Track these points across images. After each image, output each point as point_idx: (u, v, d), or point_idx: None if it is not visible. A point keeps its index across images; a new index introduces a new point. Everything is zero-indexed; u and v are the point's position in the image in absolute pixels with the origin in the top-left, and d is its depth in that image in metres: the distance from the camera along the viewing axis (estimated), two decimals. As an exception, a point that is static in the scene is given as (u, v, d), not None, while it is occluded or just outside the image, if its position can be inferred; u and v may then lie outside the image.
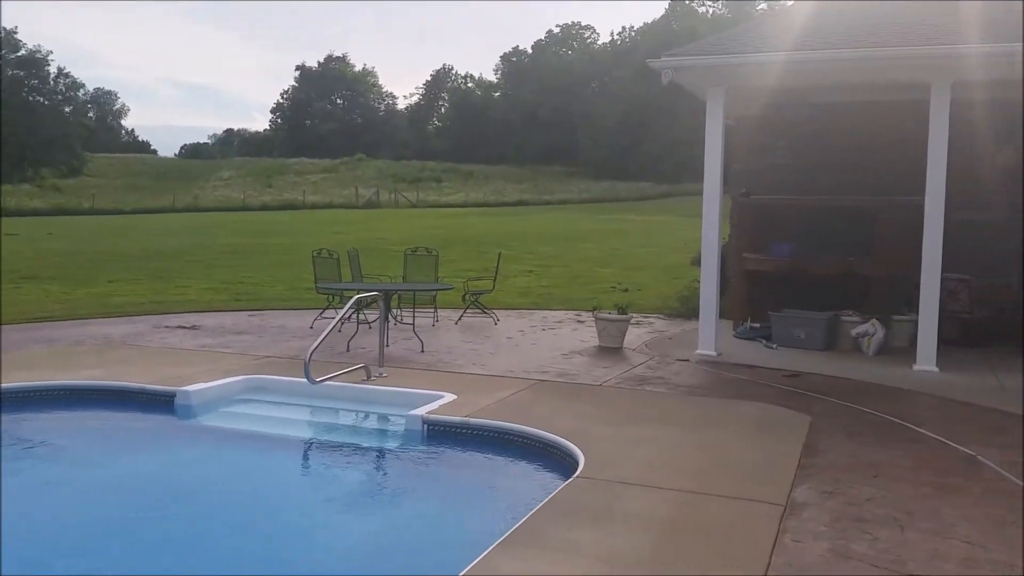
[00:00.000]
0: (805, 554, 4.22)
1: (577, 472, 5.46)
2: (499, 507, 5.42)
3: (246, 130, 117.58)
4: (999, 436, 6.53)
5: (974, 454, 5.98)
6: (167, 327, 11.66)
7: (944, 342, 10.03)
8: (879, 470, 5.60)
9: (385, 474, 6.62)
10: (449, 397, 7.39)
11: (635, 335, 11.33)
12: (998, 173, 11.59)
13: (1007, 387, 8.38)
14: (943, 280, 10.09)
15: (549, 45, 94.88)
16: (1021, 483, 5.34)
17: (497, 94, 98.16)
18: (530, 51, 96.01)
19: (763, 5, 73.04)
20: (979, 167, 11.67)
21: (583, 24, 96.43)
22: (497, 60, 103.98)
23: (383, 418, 7.68)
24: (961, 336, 10.98)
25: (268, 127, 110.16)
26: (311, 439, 7.54)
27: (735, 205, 12.44)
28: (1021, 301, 10.55)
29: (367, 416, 7.85)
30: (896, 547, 4.31)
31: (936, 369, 9.08)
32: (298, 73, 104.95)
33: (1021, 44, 8.50)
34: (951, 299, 10.51)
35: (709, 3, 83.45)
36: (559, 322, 12.79)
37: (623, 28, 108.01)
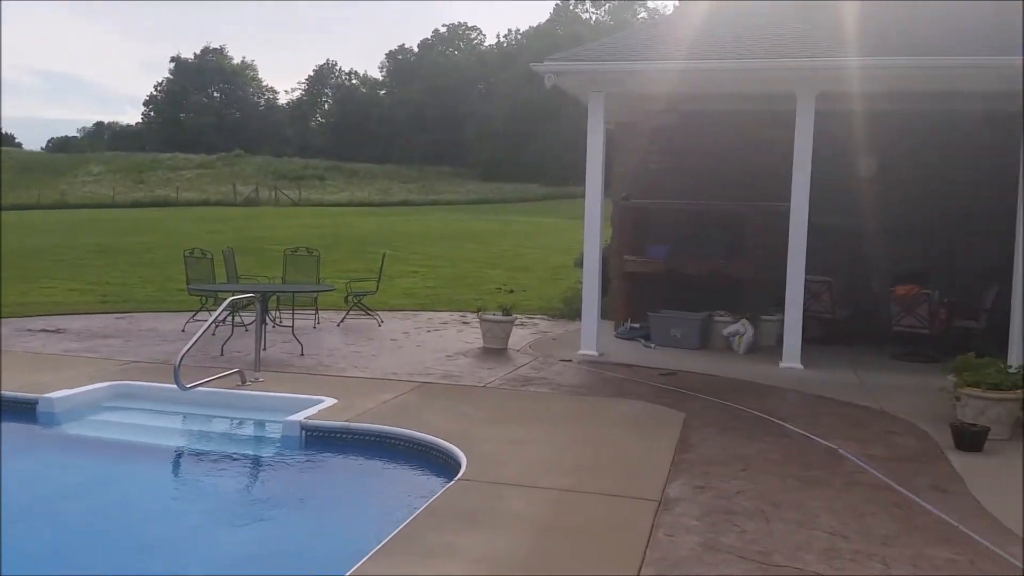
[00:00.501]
0: (678, 548, 4.35)
1: (459, 475, 5.45)
2: (379, 513, 5.35)
3: (117, 123, 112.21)
4: (858, 430, 6.91)
5: (835, 447, 6.31)
6: (30, 330, 10.97)
7: (808, 341, 10.54)
8: (748, 464, 5.84)
9: (260, 483, 6.43)
10: (329, 401, 7.25)
11: (520, 336, 11.42)
12: (858, 181, 12.28)
13: (865, 383, 8.89)
14: (807, 282, 10.61)
15: (435, 44, 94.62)
16: (879, 474, 5.67)
17: (383, 92, 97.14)
18: (416, 50, 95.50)
19: (643, 14, 75.19)
20: (841, 175, 12.34)
21: (469, 25, 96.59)
22: (382, 58, 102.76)
23: (259, 425, 7.46)
24: (824, 335, 11.57)
25: (140, 120, 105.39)
26: (182, 448, 7.24)
27: (616, 208, 12.73)
28: (886, 302, 11.20)
29: (242, 423, 7.60)
30: (763, 538, 4.50)
31: (801, 366, 9.53)
32: (173, 65, 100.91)
33: (882, 58, 9.06)
34: (814, 300, 11.07)
35: (592, 10, 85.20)
36: (444, 323, 12.76)
37: (509, 31, 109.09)
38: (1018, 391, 6.69)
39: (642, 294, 12.19)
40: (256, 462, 6.82)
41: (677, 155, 12.85)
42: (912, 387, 8.52)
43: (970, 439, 6.31)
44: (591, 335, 10.12)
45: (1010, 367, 7.38)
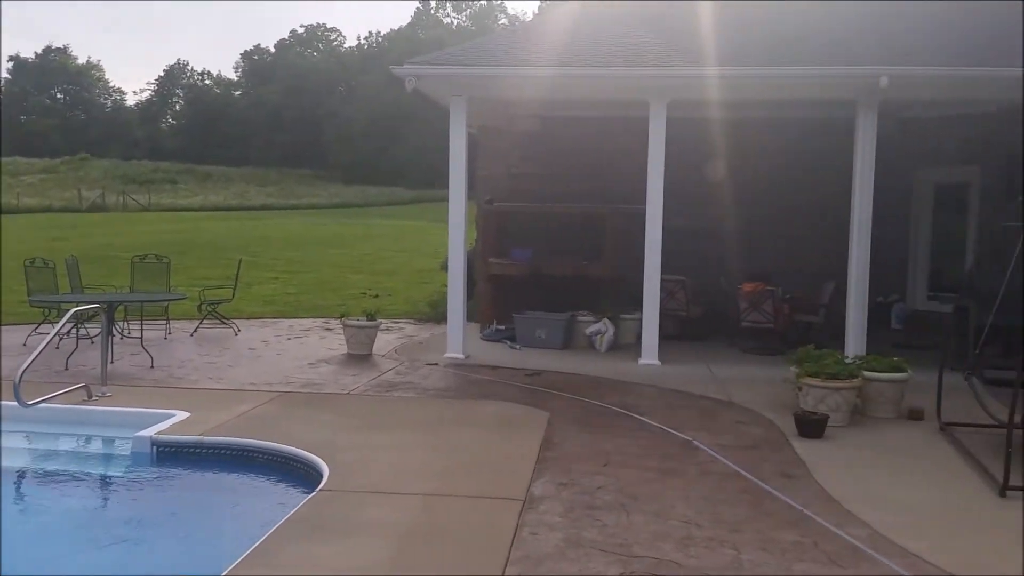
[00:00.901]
0: (541, 545, 4.41)
1: (321, 485, 5.32)
2: (236, 529, 5.17)
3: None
4: (711, 421, 7.23)
5: (690, 439, 6.57)
6: None
7: (665, 338, 10.94)
8: (609, 459, 5.99)
9: (109, 503, 6.08)
10: (182, 415, 6.93)
11: (385, 341, 11.30)
12: (708, 184, 12.85)
13: (717, 376, 9.30)
14: (663, 281, 11.00)
15: (293, 45, 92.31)
16: (730, 463, 5.94)
17: (238, 93, 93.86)
18: (273, 50, 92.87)
19: (504, 20, 76.04)
20: (693, 179, 12.87)
21: (328, 26, 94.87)
22: (237, 58, 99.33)
23: (108, 441, 7.04)
24: (680, 331, 12.05)
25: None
26: (24, 468, 6.74)
27: (480, 211, 12.81)
28: (730, 299, 11.74)
29: (89, 440, 7.16)
30: (623, 531, 4.62)
31: (658, 363, 9.88)
32: (11, 64, 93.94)
33: (728, 68, 9.51)
34: (670, 299, 11.50)
35: (453, 15, 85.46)
36: (306, 330, 12.46)
37: (370, 33, 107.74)
38: (854, 380, 7.18)
39: (507, 296, 12.31)
40: (104, 481, 6.45)
41: (540, 159, 13.07)
42: (759, 379, 8.98)
43: (811, 426, 6.71)
44: (457, 338, 10.13)
45: (846, 358, 7.91)
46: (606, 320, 10.95)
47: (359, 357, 10.15)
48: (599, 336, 10.88)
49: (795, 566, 4.21)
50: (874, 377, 7.44)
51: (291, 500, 5.25)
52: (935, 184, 12.70)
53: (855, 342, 9.61)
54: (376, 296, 16.65)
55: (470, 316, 12.04)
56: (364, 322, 10.45)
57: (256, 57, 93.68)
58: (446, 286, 10.61)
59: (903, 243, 12.82)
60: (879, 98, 9.39)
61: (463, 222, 10.13)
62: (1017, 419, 5.30)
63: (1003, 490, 5.26)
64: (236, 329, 12.05)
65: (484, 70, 9.93)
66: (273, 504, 5.40)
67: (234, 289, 12.62)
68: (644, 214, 10.02)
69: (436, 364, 9.74)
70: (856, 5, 11.53)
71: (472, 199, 11.64)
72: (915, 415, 7.40)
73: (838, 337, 9.86)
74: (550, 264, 11.88)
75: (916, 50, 9.78)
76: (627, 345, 11.05)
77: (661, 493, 5.27)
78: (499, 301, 12.31)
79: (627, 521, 4.77)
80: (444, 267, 12.42)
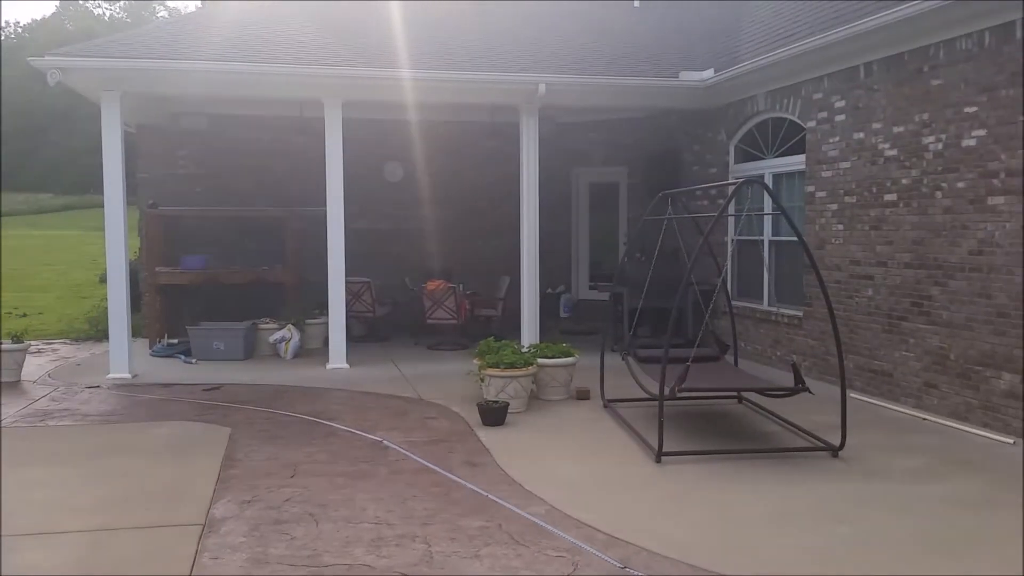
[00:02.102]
0: (224, 568, 4.13)
1: (-47, 538, 4.54)
2: None
3: None
4: (400, 419, 7.28)
5: (380, 439, 6.57)
6: None
7: (353, 340, 10.90)
8: (297, 469, 5.79)
9: None
10: None
11: (36, 365, 10.04)
12: (390, 187, 12.98)
13: (406, 374, 9.42)
14: (348, 284, 10.92)
15: (-95, 31, 78.77)
16: (419, 458, 6.02)
17: None
18: None
19: (164, 12, 71.06)
20: (375, 180, 12.93)
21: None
22: None
23: None
24: (368, 332, 12.07)
25: None
26: None
27: (144, 217, 11.80)
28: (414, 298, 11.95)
29: None
30: (312, 542, 4.48)
31: (347, 366, 9.79)
32: None
33: (398, 70, 9.63)
34: (356, 300, 11.45)
35: (105, 4, 78.16)
36: (-68, 360, 10.64)
37: (7, 23, 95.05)
38: (529, 367, 7.63)
39: (180, 308, 11.49)
40: None
41: (210, 160, 12.35)
42: (446, 373, 9.24)
43: (493, 415, 7.02)
44: (122, 356, 9.25)
45: (523, 347, 8.39)
46: (290, 326, 10.62)
47: (7, 385, 8.89)
48: (284, 343, 10.53)
49: (483, 550, 4.35)
50: (547, 363, 7.97)
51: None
52: (590, 183, 13.92)
53: (529, 332, 10.24)
54: (24, 315, 14.73)
55: (137, 331, 11.11)
56: (9, 345, 9.18)
57: None
58: (107, 300, 9.63)
59: (568, 238, 13.90)
60: (538, 104, 10.07)
61: (123, 229, 9.27)
62: (667, 392, 5.94)
63: (658, 456, 5.88)
64: None
65: (140, 63, 9.17)
66: None
67: None
68: (326, 216, 9.85)
69: (98, 386, 8.81)
70: (521, 25, 12.29)
71: (134, 204, 10.68)
72: (582, 395, 8.04)
73: (516, 328, 10.45)
74: (227, 271, 11.27)
75: (570, 64, 10.64)
76: (314, 351, 10.82)
77: (352, 498, 5.19)
78: (170, 313, 11.45)
79: (316, 531, 4.64)
80: (103, 280, 11.32)
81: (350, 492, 5.30)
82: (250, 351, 10.62)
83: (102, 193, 9.37)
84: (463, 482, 5.47)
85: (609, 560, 4.21)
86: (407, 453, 6.18)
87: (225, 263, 11.47)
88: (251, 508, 5.00)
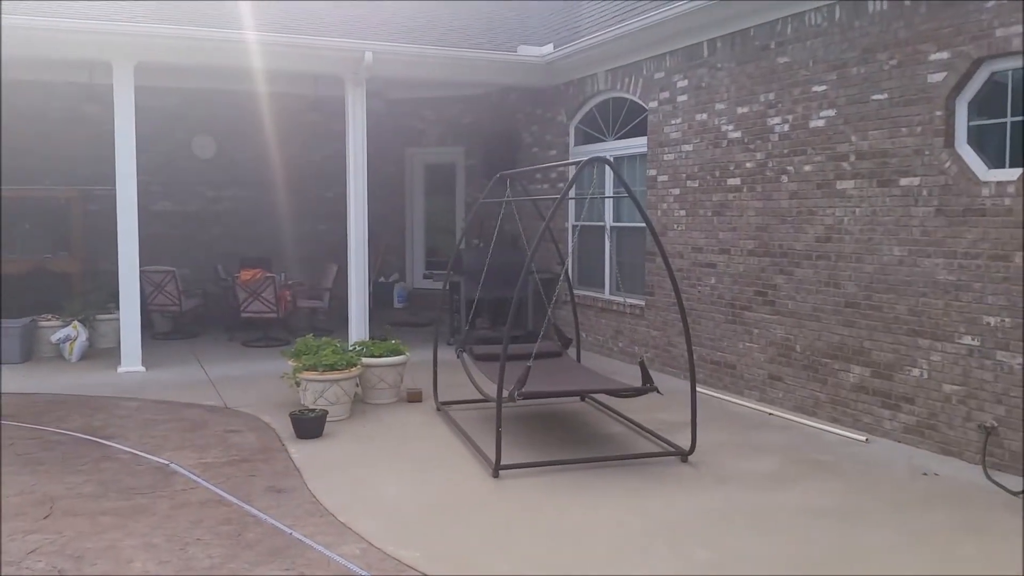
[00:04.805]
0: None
1: None
2: None
3: None
4: (196, 435, 6.21)
5: (167, 462, 5.50)
6: None
7: (157, 337, 9.62)
8: (54, 506, 4.67)
9: None
10: None
11: None
12: (196, 164, 11.65)
13: (213, 377, 8.28)
14: (148, 273, 9.66)
15: None
16: (212, 486, 5.03)
17: None
18: None
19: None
20: (181, 156, 11.57)
21: None
22: None
23: None
24: (173, 328, 10.76)
25: None
26: None
27: None
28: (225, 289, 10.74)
29: None
30: (52, 614, 3.46)
31: (142, 368, 8.53)
32: None
33: (204, 28, 8.43)
34: (158, 292, 10.13)
35: None
36: None
37: None
38: (353, 369, 6.74)
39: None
40: None
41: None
42: (260, 375, 8.19)
43: (308, 426, 6.09)
44: None
45: (349, 344, 7.49)
46: (76, 323, 9.17)
47: None
48: (68, 343, 9.07)
49: (278, 612, 3.49)
50: (373, 363, 7.11)
51: None
52: (425, 164, 13.10)
53: (358, 326, 9.34)
54: None
55: None
56: None
57: None
58: None
59: (401, 223, 13.04)
60: (365, 75, 9.13)
61: None
62: (505, 396, 5.24)
63: (495, 470, 5.17)
64: None
65: None
66: None
67: None
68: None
69: None
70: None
71: None
72: (414, 397, 7.25)
73: (345, 320, 9.53)
74: (3, 260, 9.65)
75: (400, 33, 9.76)
76: (107, 350, 9.44)
77: (118, 544, 4.16)
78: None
79: (61, 596, 3.61)
80: None
81: (116, 536, 4.25)
82: (28, 353, 9.10)
83: None
84: (262, 516, 4.54)
85: (434, 615, 3.45)
86: (197, 479, 5.16)
87: (1, 250, 9.83)
88: (-25, 569, 3.89)
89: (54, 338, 9.13)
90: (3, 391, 7.58)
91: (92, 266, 10.02)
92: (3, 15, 7.84)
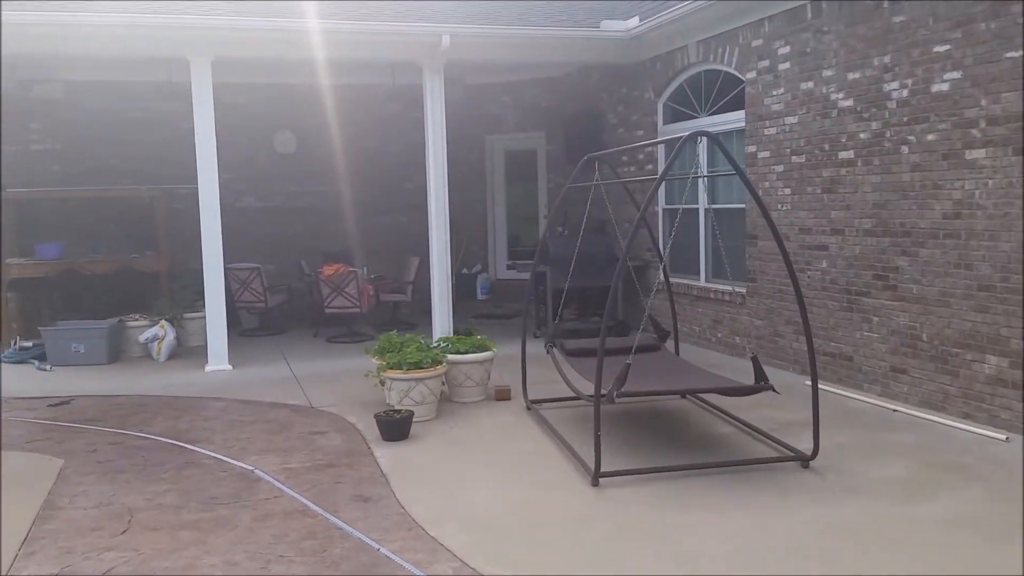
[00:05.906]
0: None
1: None
2: None
3: None
4: (280, 437, 5.98)
5: (251, 468, 5.28)
6: None
7: (244, 334, 9.54)
8: (133, 520, 4.47)
9: None
10: None
11: None
12: (277, 160, 11.56)
13: (299, 375, 8.11)
14: (233, 271, 9.59)
15: None
16: (296, 494, 4.77)
17: None
18: None
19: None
20: (263, 153, 11.50)
21: None
22: None
23: None
24: (260, 325, 10.71)
25: None
26: None
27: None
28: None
29: None
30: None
31: (229, 367, 8.43)
32: None
33: (280, 19, 8.25)
34: (244, 289, 10.05)
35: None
36: None
37: None
38: (438, 367, 6.43)
39: (35, 304, 9.89)
40: None
41: (68, 134, 10.70)
42: (345, 372, 7.97)
43: (394, 428, 5.79)
44: (-52, 368, 7.69)
45: (433, 340, 7.19)
46: (164, 323, 9.15)
47: None
48: (156, 343, 9.05)
49: (365, 643, 3.17)
50: (459, 360, 6.78)
51: None
52: (505, 151, 12.73)
53: (441, 320, 9.06)
54: None
55: (-18, 334, 9.49)
56: None
57: None
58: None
59: (483, 212, 12.72)
60: (443, 60, 8.80)
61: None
62: (603, 395, 4.82)
63: (595, 478, 4.75)
64: None
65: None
66: None
67: None
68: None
69: (-82, 407, 7.25)
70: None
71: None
72: (502, 395, 6.89)
73: (428, 313, 9.29)
74: (89, 260, 9.72)
75: (477, 15, 9.39)
76: (196, 349, 9.40)
77: (197, 562, 3.92)
78: (25, 311, 9.82)
79: (137, 622, 3.37)
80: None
81: (195, 554, 4.02)
82: (116, 353, 9.12)
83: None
84: (348, 529, 4.24)
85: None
86: (282, 486, 4.91)
87: (86, 251, 9.90)
88: (51, 589, 3.70)
89: (142, 338, 9.13)
90: (87, 393, 7.55)
91: (179, 265, 10.00)
92: (76, 14, 7.80)
